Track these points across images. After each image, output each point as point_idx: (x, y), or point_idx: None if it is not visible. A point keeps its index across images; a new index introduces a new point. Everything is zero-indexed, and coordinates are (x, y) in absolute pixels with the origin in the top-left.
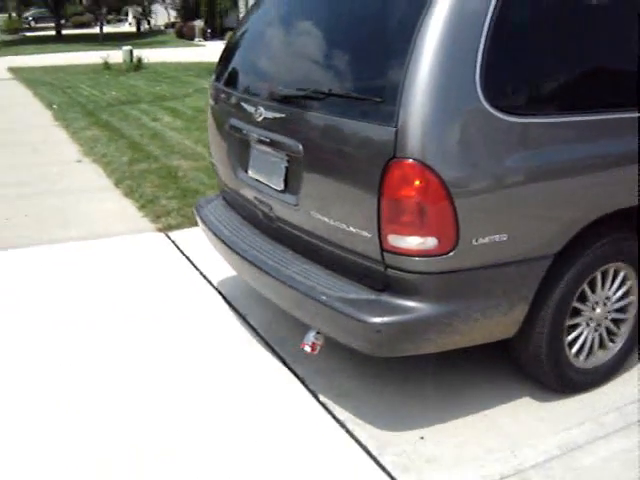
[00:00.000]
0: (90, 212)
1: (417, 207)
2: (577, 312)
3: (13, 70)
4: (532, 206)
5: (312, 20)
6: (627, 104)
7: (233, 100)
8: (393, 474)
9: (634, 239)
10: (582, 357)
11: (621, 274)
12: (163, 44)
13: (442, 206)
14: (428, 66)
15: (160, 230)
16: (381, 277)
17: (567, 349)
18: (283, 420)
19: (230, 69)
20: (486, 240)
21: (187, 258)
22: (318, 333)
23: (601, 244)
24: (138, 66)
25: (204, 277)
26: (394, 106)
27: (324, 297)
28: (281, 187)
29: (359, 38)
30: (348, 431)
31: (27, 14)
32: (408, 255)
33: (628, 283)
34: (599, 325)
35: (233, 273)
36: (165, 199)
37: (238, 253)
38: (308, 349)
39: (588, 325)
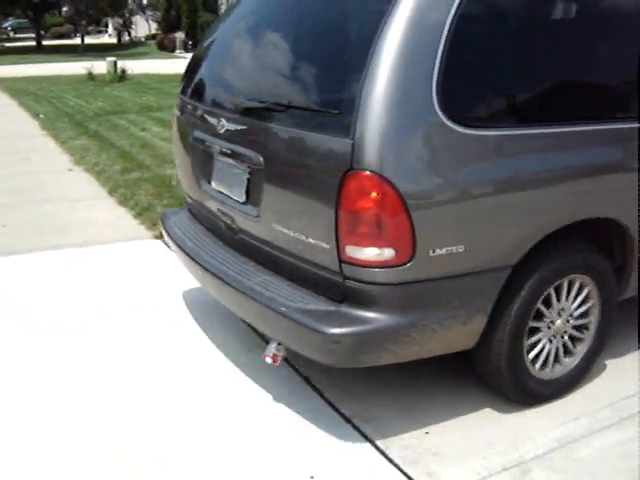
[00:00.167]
0: (86, 220)
1: (374, 219)
2: (538, 323)
3: None
4: (488, 218)
5: (274, 33)
6: (583, 117)
7: (197, 112)
8: (402, 467)
9: (593, 251)
10: (543, 368)
11: (577, 284)
12: (144, 55)
13: (399, 217)
14: (385, 79)
15: (157, 237)
16: (340, 288)
17: (527, 360)
18: (290, 417)
19: (195, 81)
20: (443, 251)
21: None
22: (279, 344)
23: (560, 255)
24: (122, 77)
25: None
26: (351, 118)
27: (283, 308)
28: (243, 199)
29: (319, 51)
30: (354, 426)
31: (6, 24)
32: (366, 266)
33: (586, 292)
34: (558, 336)
35: None
36: (160, 207)
37: (200, 264)
38: (269, 360)
39: (550, 339)
